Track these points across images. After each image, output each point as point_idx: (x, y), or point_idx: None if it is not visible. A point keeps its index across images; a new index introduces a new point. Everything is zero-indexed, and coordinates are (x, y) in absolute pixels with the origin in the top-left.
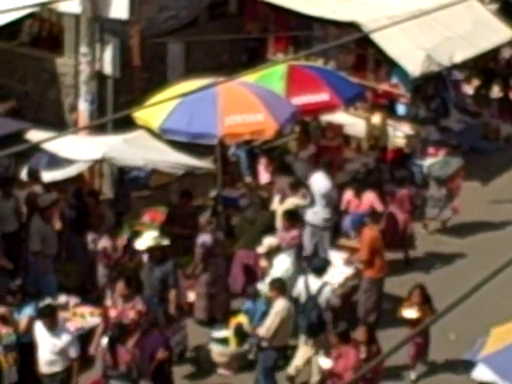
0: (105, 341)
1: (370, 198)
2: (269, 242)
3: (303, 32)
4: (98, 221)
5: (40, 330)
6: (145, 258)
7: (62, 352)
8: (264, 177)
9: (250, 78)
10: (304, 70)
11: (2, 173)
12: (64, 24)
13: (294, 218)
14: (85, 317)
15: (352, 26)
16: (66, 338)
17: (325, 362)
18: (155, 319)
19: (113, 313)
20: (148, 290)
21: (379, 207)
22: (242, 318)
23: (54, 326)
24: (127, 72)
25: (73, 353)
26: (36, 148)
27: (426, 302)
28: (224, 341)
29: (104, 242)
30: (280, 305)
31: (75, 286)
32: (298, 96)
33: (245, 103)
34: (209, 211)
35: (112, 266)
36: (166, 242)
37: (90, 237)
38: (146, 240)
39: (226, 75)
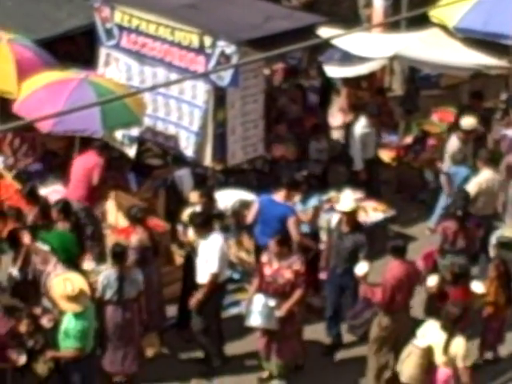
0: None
1: None
2: None
3: None
4: (387, 118)
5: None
6: (333, 222)
7: None
8: None
9: None
10: None
11: (295, 65)
12: None
13: None
14: (367, 211)
15: None
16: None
17: None
18: None
19: (268, 271)
20: (334, 260)
21: None
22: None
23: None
24: None
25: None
26: (328, 44)
27: (502, 278)
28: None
29: None
30: (484, 175)
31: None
32: None
33: None
34: (499, 113)
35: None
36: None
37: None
38: (349, 201)
39: None
